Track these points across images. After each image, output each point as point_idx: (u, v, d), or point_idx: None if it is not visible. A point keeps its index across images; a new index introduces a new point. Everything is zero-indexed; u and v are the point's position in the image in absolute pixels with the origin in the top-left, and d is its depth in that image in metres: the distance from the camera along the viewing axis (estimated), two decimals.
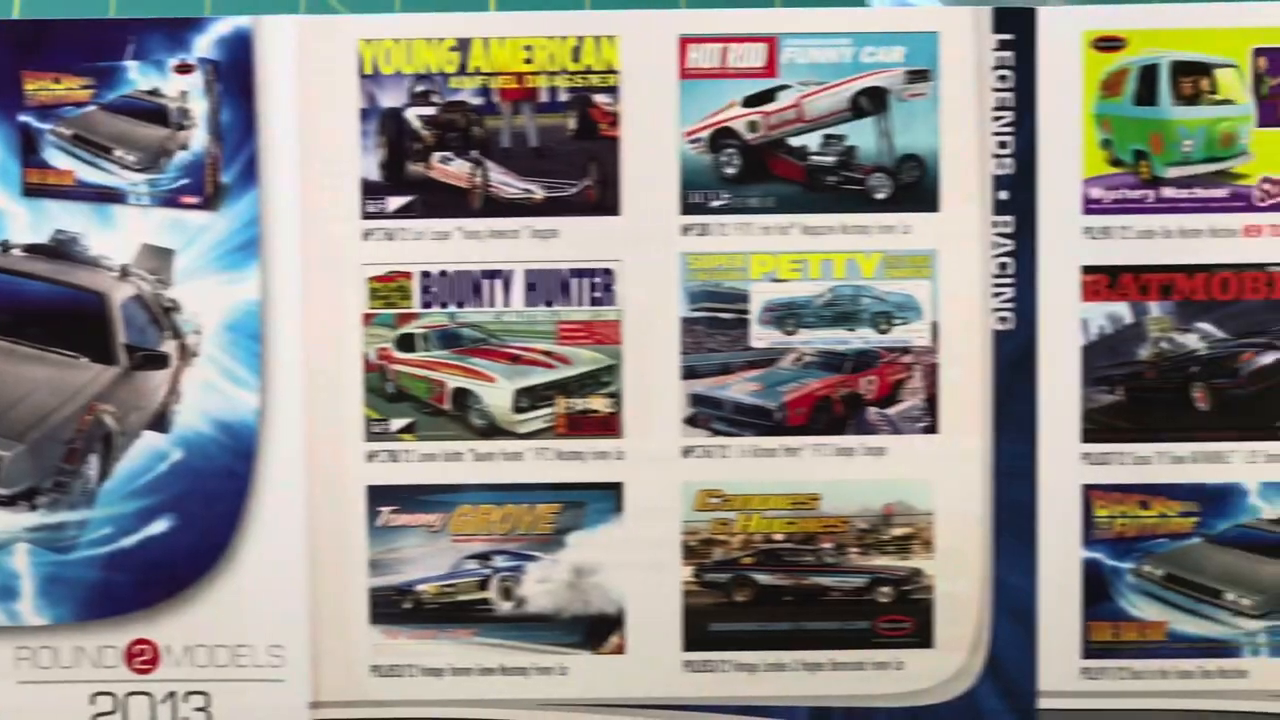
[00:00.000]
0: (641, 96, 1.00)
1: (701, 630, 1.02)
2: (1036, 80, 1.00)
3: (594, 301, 1.01)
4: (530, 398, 1.02)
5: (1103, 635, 1.03)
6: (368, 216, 1.00)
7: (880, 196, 1.00)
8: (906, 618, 1.02)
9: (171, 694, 1.01)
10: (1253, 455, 1.01)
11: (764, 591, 1.02)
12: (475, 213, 1.01)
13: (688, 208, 1.01)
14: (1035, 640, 1.02)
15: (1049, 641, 1.02)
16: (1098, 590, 1.02)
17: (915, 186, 1.00)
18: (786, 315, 1.01)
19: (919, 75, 1.00)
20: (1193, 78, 1.01)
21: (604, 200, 1.01)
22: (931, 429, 1.01)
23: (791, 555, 1.02)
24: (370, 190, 1.00)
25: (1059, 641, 1.02)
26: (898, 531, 1.02)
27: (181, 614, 1.01)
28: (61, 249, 1.00)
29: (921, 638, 1.03)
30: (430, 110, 1.01)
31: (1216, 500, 1.01)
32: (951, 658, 1.03)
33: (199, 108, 1.00)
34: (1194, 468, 1.01)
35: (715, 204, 1.01)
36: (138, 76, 1.00)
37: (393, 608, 1.02)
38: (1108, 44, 1.01)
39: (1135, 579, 1.02)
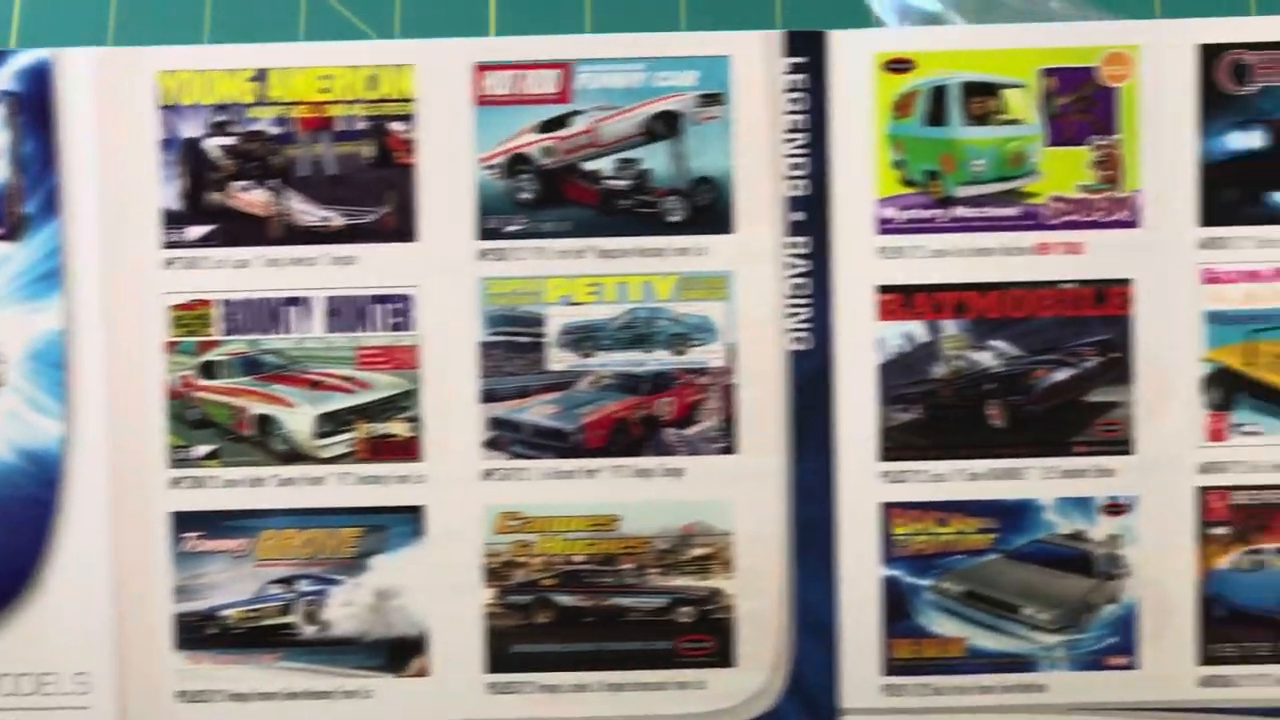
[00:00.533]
0: (437, 124, 1.03)
1: (504, 652, 1.04)
2: (829, 102, 1.02)
3: (393, 327, 1.03)
4: (331, 423, 1.04)
5: (903, 652, 1.05)
6: (169, 245, 1.03)
7: (675, 219, 1.02)
8: (708, 637, 1.04)
9: None
10: (1047, 471, 1.03)
11: (565, 613, 1.04)
12: (275, 240, 1.03)
13: (484, 233, 1.03)
14: (836, 658, 1.03)
15: (850, 659, 1.04)
16: (898, 607, 1.03)
17: (710, 209, 1.02)
18: (583, 338, 1.03)
19: (711, 99, 1.02)
20: (982, 98, 1.03)
21: (402, 227, 1.03)
22: (729, 449, 1.02)
23: (592, 576, 1.04)
24: (171, 219, 1.03)
25: (860, 659, 1.04)
26: (697, 551, 1.03)
27: None
28: None
29: (723, 657, 1.04)
30: (229, 140, 1.03)
31: (1013, 516, 1.03)
32: (753, 676, 1.05)
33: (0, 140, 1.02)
34: (990, 484, 1.03)
35: (511, 229, 1.04)
36: None
37: (198, 633, 1.04)
38: (898, 66, 1.03)
39: (934, 596, 1.04)
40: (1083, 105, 1.02)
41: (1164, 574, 1.03)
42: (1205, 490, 1.03)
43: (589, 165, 1.03)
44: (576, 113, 1.03)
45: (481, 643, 1.04)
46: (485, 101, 1.03)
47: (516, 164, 1.03)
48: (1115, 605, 1.03)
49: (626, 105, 1.02)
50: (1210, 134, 1.02)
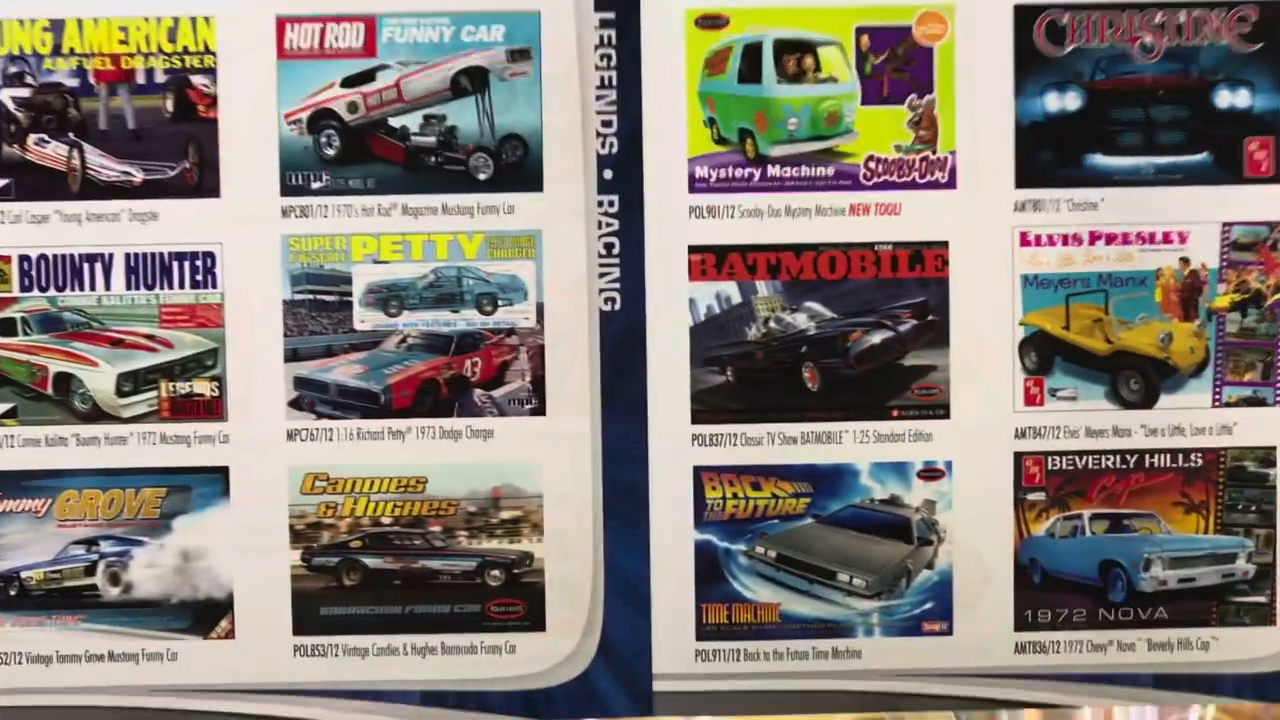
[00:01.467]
0: (239, 78, 1.02)
1: (311, 615, 1.05)
2: (640, 58, 1.02)
3: (195, 284, 1.04)
4: (133, 381, 1.04)
5: (717, 617, 1.06)
6: None
7: (482, 177, 1.03)
8: (517, 601, 1.05)
9: None
10: (863, 435, 1.04)
11: (373, 575, 1.05)
12: (73, 196, 1.04)
13: (288, 189, 1.03)
14: (648, 623, 1.05)
15: (662, 624, 1.05)
16: (710, 572, 1.05)
17: (518, 166, 1.02)
18: (389, 297, 1.04)
19: (520, 54, 1.02)
20: (796, 55, 1.03)
21: (204, 183, 1.03)
22: (539, 411, 1.03)
23: (400, 539, 1.05)
24: None
25: (672, 624, 1.05)
26: (507, 514, 1.04)
27: None
28: None
29: (533, 621, 1.05)
30: (24, 92, 1.04)
31: (828, 481, 1.04)
32: (564, 641, 1.06)
33: None
34: (805, 449, 1.04)
35: (315, 186, 1.04)
36: None
37: None
38: (710, 22, 1.03)
39: (748, 560, 1.05)
40: (898, 64, 1.03)
41: (980, 540, 1.05)
42: (1021, 455, 1.04)
43: (395, 121, 1.04)
44: (382, 68, 1.03)
45: (288, 605, 1.05)
46: (289, 55, 1.03)
47: (321, 120, 1.03)
48: (931, 571, 1.05)
49: (433, 60, 1.02)
50: (1026, 95, 1.03)
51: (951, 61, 1.02)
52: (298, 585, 1.05)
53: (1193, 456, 1.05)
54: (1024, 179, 1.02)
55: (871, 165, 1.03)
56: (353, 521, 1.05)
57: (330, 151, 1.04)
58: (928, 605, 1.05)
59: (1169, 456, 1.05)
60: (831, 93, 1.03)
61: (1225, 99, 1.03)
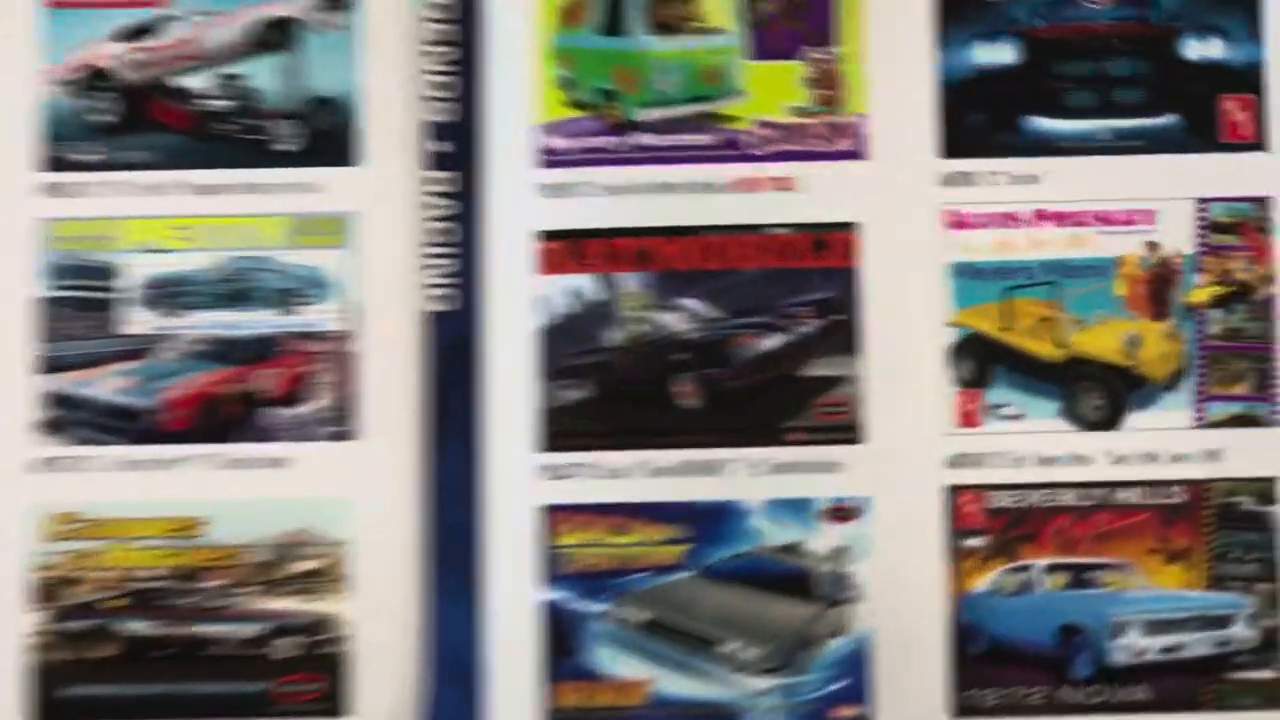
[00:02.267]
0: None
1: (53, 695, 0.90)
2: (480, 7, 0.93)
3: None
4: None
5: (569, 699, 0.91)
6: None
7: (287, 148, 0.93)
8: (315, 677, 0.91)
9: None
10: (754, 465, 0.92)
11: (134, 645, 0.90)
12: None
13: (49, 163, 0.93)
14: (481, 707, 0.90)
15: (499, 708, 0.90)
16: (562, 641, 0.91)
17: (330, 136, 0.93)
18: (168, 294, 0.93)
19: (334, 3, 0.94)
20: (670, 2, 0.95)
21: None
22: (348, 435, 0.92)
23: (169, 597, 0.91)
24: None
25: (512, 708, 0.90)
26: (305, 565, 0.91)
27: None
28: None
29: (334, 703, 0.90)
30: None
31: (711, 523, 0.92)
32: None
33: None
34: (682, 482, 0.91)
35: (83, 159, 0.93)
36: None
37: None
38: None
39: (610, 625, 0.91)
40: (793, 9, 0.94)
41: (905, 598, 0.91)
42: (956, 490, 0.91)
43: (181, 81, 0.95)
44: (170, 19, 0.95)
45: (24, 684, 0.90)
46: (58, 3, 0.94)
47: (93, 80, 0.94)
48: (843, 638, 0.91)
49: (230, 10, 0.94)
50: (952, 46, 0.94)
51: (859, 6, 0.93)
52: (37, 657, 0.90)
53: (1172, 491, 0.92)
54: (951, 147, 0.93)
55: (762, 131, 0.93)
56: (110, 576, 0.91)
57: (104, 117, 0.94)
58: (839, 683, 0.90)
59: (1143, 491, 0.92)
60: (712, 45, 0.95)
61: (1195, 49, 0.94)
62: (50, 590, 0.91)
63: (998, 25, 0.94)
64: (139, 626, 0.91)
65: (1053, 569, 0.92)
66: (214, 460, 0.91)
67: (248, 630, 0.91)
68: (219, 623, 0.91)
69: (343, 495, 0.91)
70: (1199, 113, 0.93)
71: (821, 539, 0.91)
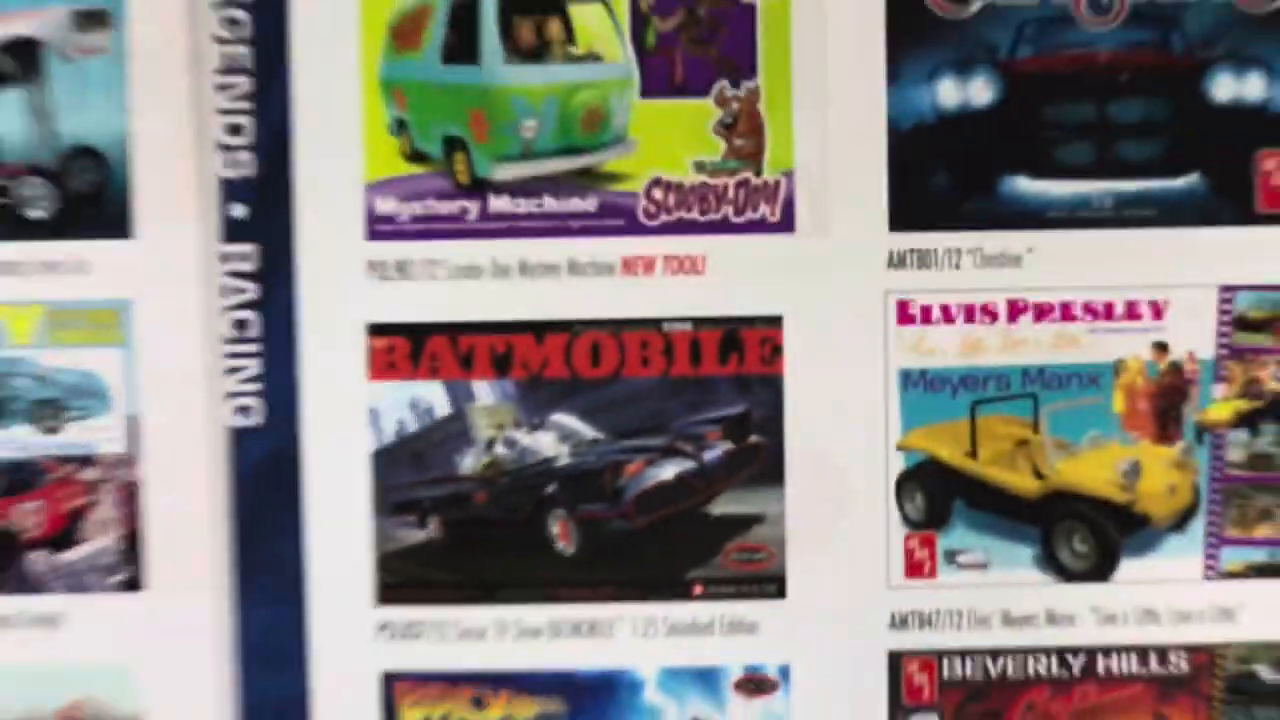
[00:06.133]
0: None
1: None
2: (287, 27, 0.88)
3: None
4: None
5: None
6: None
7: (37, 214, 0.89)
8: None
9: None
10: (648, 626, 0.90)
11: None
12: None
13: None
14: None
15: None
16: None
17: (95, 199, 0.89)
18: None
19: (94, 19, 0.89)
20: (535, 18, 0.90)
21: None
22: (134, 584, 0.90)
23: None
24: None
25: None
26: None
27: None
28: None
29: None
30: None
31: (593, 695, 0.90)
32: None
33: None
34: (557, 645, 0.90)
35: None
36: None
37: None
38: None
39: None
40: (699, 31, 0.88)
41: None
42: (900, 657, 0.90)
43: None
44: None
45: None
46: None
47: None
48: None
49: None
50: (906, 81, 0.88)
51: (787, 26, 0.88)
52: None
53: (1174, 658, 0.91)
54: (903, 216, 0.88)
55: (657, 195, 0.89)
56: None
57: None
58: None
59: (1136, 658, 0.91)
60: (592, 78, 0.91)
61: (1226, 87, 0.88)
62: None
63: (969, 54, 0.88)
64: None
65: None
66: None
67: None
68: None
69: (129, 661, 0.90)
70: (1228, 173, 0.88)
71: (732, 717, 0.90)
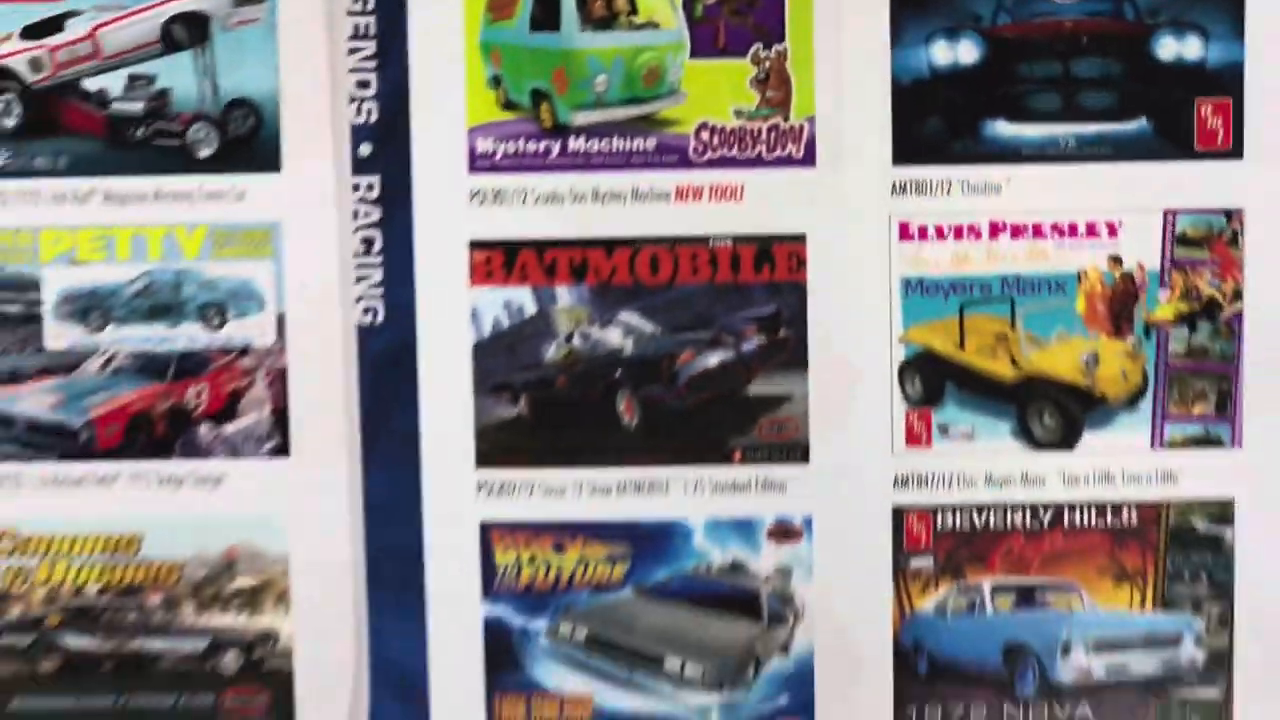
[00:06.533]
0: None
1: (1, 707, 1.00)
2: (406, 1, 0.98)
3: None
4: None
5: (513, 713, 1.02)
6: None
7: (204, 154, 0.99)
8: (260, 690, 1.02)
9: None
10: (696, 484, 1.00)
11: (77, 659, 1.01)
12: None
13: None
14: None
15: None
16: (504, 657, 1.01)
17: (249, 140, 0.99)
18: (90, 307, 1.00)
19: None
20: None
21: None
22: (282, 451, 1.00)
23: (111, 613, 1.01)
24: None
25: None
26: (244, 582, 1.01)
27: None
28: None
29: (281, 716, 1.02)
30: None
31: (652, 542, 1.01)
32: None
33: None
34: (622, 501, 1.00)
35: None
36: None
37: None
38: None
39: (551, 642, 1.01)
40: (737, 5, 0.98)
41: (850, 617, 1.01)
42: (902, 511, 1.00)
43: (92, 83, 1.00)
44: (71, 14, 0.99)
45: None
46: None
47: None
48: (786, 657, 1.01)
49: (137, 4, 0.99)
50: (906, 44, 0.98)
51: (809, 1, 0.98)
52: None
53: (1126, 512, 1.01)
54: (904, 153, 0.98)
55: (704, 136, 0.99)
56: (49, 592, 1.02)
57: (9, 122, 1.00)
58: (781, 700, 1.01)
59: (1095, 512, 1.01)
60: (651, 42, 1.00)
61: (1170, 48, 0.98)
62: None
63: (957, 22, 0.98)
64: (81, 642, 1.02)
65: (1000, 590, 1.01)
66: (146, 477, 1.00)
67: (190, 645, 1.02)
68: (162, 638, 1.02)
69: (278, 513, 1.00)
70: (1171, 118, 0.98)
71: (765, 558, 1.00)
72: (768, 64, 0.98)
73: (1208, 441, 1.00)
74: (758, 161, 0.99)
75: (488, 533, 1.01)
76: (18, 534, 1.01)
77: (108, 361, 1.01)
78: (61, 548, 1.02)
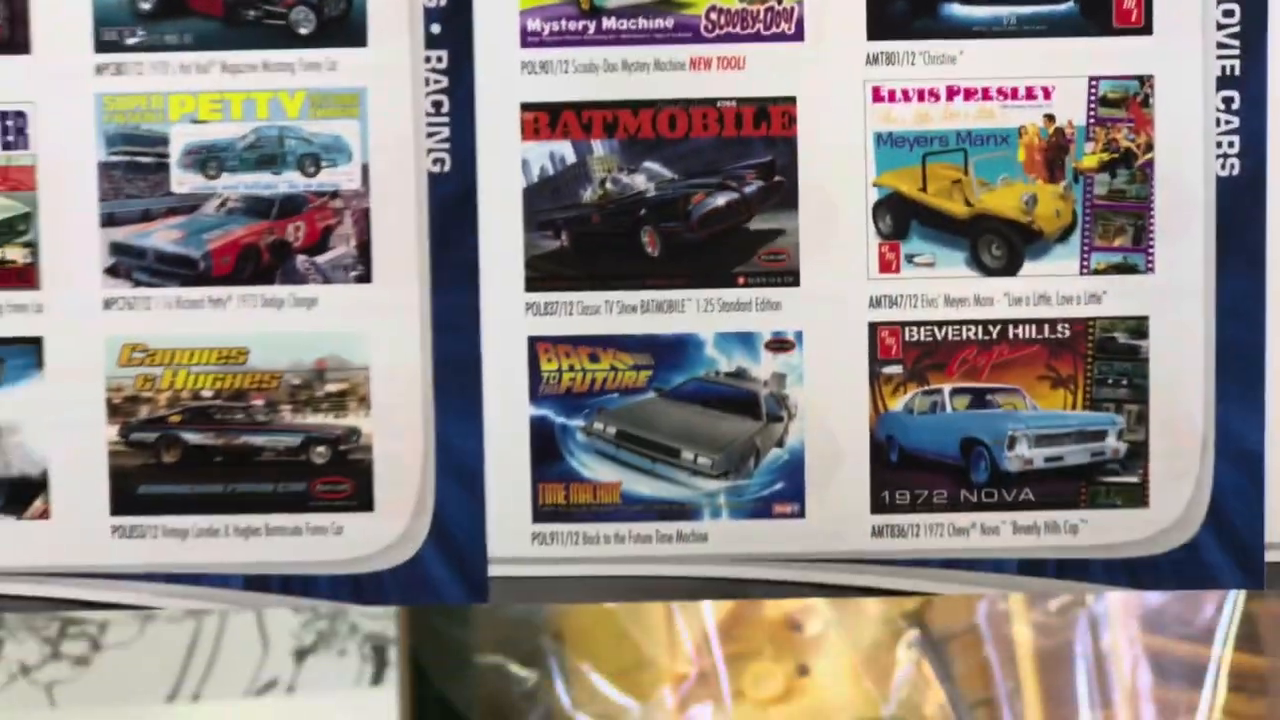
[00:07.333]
0: None
1: (130, 494, 1.19)
2: None
3: (6, 146, 1.19)
4: None
5: (554, 498, 1.19)
6: None
7: (304, 31, 1.15)
8: (344, 479, 1.19)
9: None
10: (707, 304, 1.16)
11: (193, 452, 1.19)
12: None
13: (101, 45, 1.16)
14: (482, 504, 1.17)
15: (497, 505, 1.18)
16: (547, 450, 1.18)
17: (341, 20, 1.14)
18: (209, 158, 1.16)
19: None
20: None
21: (14, 38, 1.18)
22: (365, 278, 1.16)
23: (221, 413, 1.19)
24: None
25: (508, 504, 1.18)
26: (332, 388, 1.18)
27: None
28: None
29: (361, 501, 1.19)
30: None
31: (670, 352, 1.16)
32: (393, 522, 1.20)
33: None
34: (645, 318, 1.16)
35: (130, 41, 1.19)
36: None
37: None
38: None
39: (586, 437, 1.18)
40: None
41: (833, 416, 1.17)
42: (876, 326, 1.16)
43: None
44: None
45: (106, 484, 1.19)
46: None
47: None
48: (781, 449, 1.17)
49: None
50: None
51: None
52: (115, 463, 1.19)
53: (1059, 327, 1.16)
54: (876, 30, 1.14)
55: (713, 16, 1.14)
56: (172, 395, 1.20)
57: (146, 5, 1.18)
58: (778, 486, 1.18)
59: (1034, 327, 1.16)
60: None
61: None
62: (123, 407, 1.21)
63: None
64: (198, 437, 1.21)
65: (958, 392, 1.16)
66: (253, 300, 1.17)
67: (288, 440, 1.21)
68: (264, 434, 1.21)
69: (361, 329, 1.16)
70: (1093, 1, 1.13)
71: (764, 366, 1.16)
72: None
73: (1126, 268, 1.16)
74: (757, 37, 1.14)
75: (534, 345, 1.16)
76: (148, 346, 1.20)
77: (222, 203, 1.18)
78: (182, 358, 1.19)
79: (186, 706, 1.26)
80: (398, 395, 1.17)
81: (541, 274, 1.16)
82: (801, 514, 1.18)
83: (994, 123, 1.15)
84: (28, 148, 1.18)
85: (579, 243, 1.17)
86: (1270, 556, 1.17)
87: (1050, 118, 1.15)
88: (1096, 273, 1.17)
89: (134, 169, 1.19)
